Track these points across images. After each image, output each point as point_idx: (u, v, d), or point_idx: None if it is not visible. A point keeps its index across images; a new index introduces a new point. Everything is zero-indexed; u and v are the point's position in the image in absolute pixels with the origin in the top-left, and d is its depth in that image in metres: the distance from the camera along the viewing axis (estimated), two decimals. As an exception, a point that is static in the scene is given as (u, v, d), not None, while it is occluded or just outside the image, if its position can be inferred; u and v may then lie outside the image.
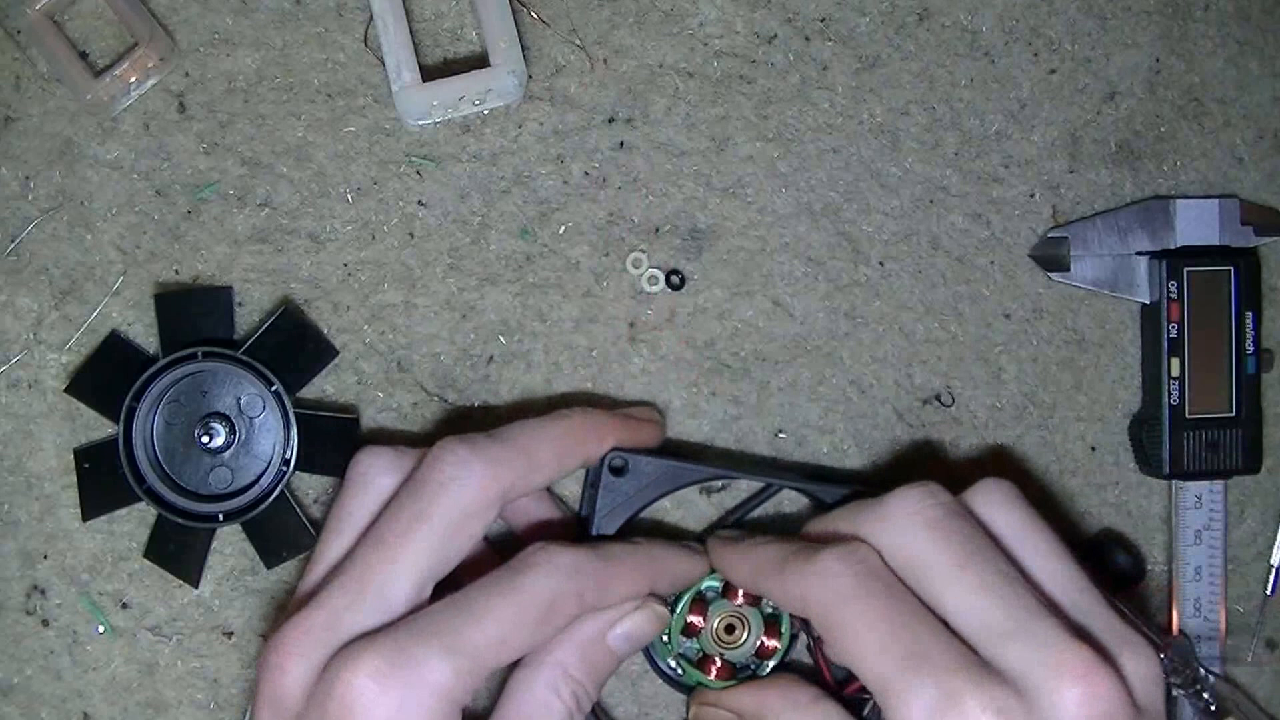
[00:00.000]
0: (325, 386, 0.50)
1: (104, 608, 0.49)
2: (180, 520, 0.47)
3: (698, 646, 0.47)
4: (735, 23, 0.51)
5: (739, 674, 0.47)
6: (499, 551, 0.47)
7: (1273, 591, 0.52)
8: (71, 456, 0.49)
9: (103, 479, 0.48)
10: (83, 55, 0.49)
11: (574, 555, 0.42)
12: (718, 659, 0.47)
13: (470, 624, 0.40)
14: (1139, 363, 0.52)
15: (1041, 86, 0.52)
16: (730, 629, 0.47)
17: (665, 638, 0.46)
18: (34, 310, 0.49)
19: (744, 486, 0.50)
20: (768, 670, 0.47)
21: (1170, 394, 0.50)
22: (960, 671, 0.37)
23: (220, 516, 0.47)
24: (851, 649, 0.40)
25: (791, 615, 0.47)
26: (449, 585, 0.42)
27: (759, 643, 0.47)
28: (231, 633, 0.49)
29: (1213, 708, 0.50)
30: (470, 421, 0.50)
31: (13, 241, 0.49)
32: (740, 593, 0.46)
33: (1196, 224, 0.51)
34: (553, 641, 0.42)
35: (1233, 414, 0.50)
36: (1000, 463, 0.52)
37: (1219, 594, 0.51)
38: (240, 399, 0.48)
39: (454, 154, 0.50)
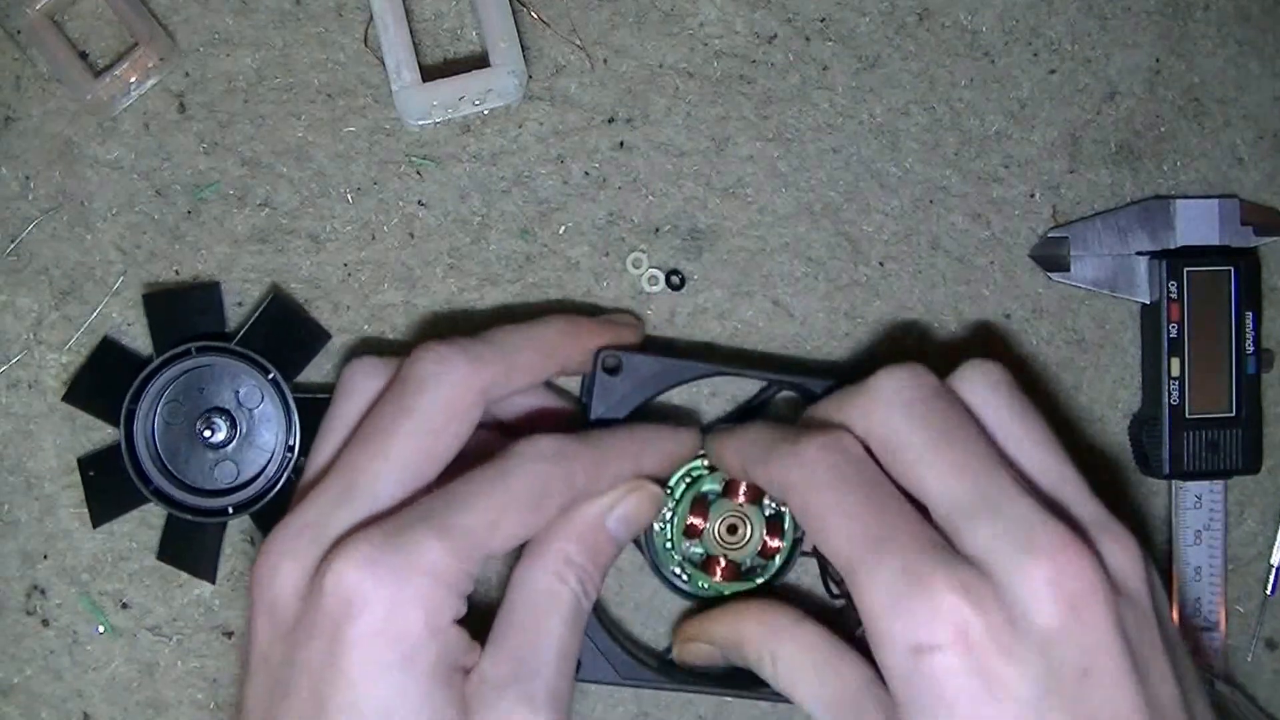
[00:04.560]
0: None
1: (104, 608, 0.49)
2: (190, 518, 0.47)
3: (701, 550, 0.47)
4: (735, 23, 0.51)
5: (744, 575, 0.47)
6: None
7: (1273, 591, 0.52)
8: (72, 457, 0.49)
9: (108, 484, 0.48)
10: (83, 55, 0.49)
11: (560, 440, 0.42)
12: (722, 560, 0.47)
13: (461, 510, 0.39)
14: (1139, 363, 0.52)
15: (1041, 86, 0.52)
16: (732, 529, 0.47)
17: (669, 543, 0.47)
18: (34, 310, 0.49)
19: (747, 385, 0.49)
20: (773, 570, 0.47)
21: (1170, 394, 0.50)
22: (926, 551, 0.37)
23: (230, 510, 0.47)
24: (822, 533, 0.39)
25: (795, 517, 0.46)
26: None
27: (762, 542, 0.47)
28: (231, 633, 0.49)
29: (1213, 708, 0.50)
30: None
31: (13, 241, 0.49)
32: (741, 492, 0.46)
33: (1196, 224, 0.51)
34: (552, 530, 0.42)
35: (1233, 414, 0.50)
36: (1000, 463, 0.52)
37: (1219, 594, 0.51)
38: (238, 391, 0.48)
39: (454, 154, 0.50)
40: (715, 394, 0.50)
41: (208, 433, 0.47)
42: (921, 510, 0.39)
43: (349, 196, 0.50)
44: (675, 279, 0.50)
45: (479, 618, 0.40)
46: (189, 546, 0.48)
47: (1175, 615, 0.51)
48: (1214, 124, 0.52)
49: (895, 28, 0.51)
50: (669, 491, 0.47)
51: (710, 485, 0.47)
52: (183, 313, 0.48)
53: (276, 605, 0.39)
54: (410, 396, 0.41)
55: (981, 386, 0.42)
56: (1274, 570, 0.52)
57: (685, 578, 0.47)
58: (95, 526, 0.48)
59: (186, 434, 0.48)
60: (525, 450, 0.41)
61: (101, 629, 0.49)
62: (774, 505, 0.47)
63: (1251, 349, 0.50)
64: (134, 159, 0.49)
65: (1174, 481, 0.51)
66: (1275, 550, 0.53)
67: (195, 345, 0.47)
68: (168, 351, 0.47)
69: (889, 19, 0.51)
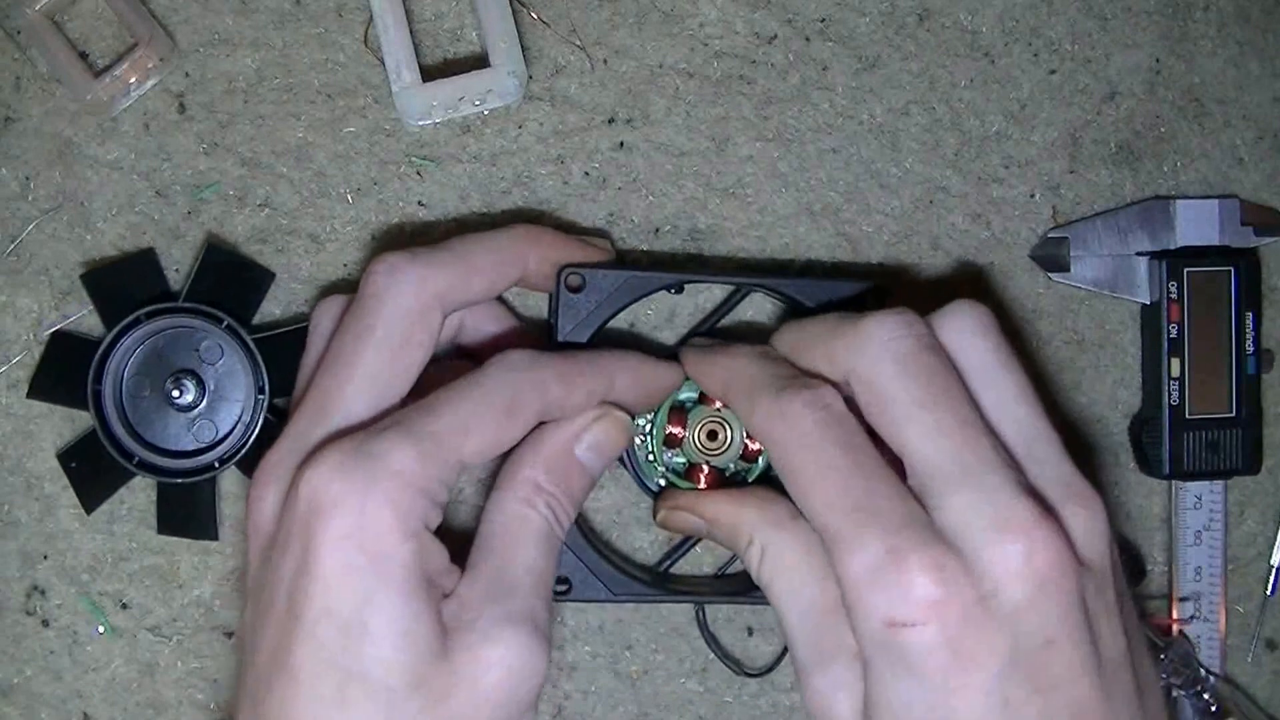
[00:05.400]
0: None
1: (104, 608, 0.49)
2: (179, 481, 0.47)
3: (683, 458, 0.47)
4: (735, 23, 0.51)
5: (728, 481, 0.47)
6: None
7: (1273, 591, 0.52)
8: (71, 457, 0.49)
9: (93, 470, 0.48)
10: (83, 55, 0.49)
11: (532, 352, 0.42)
12: (704, 466, 0.47)
13: (432, 415, 0.39)
14: (1139, 363, 0.52)
15: (1041, 86, 0.52)
16: (712, 435, 0.46)
17: (650, 455, 0.47)
18: (34, 310, 0.49)
19: (715, 291, 0.50)
20: (756, 473, 0.47)
21: (1170, 394, 0.50)
22: (905, 529, 0.37)
23: (216, 464, 0.47)
24: (804, 494, 0.39)
25: None
26: None
27: (743, 446, 0.46)
28: (231, 633, 0.49)
29: (1213, 708, 0.50)
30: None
31: (13, 241, 0.49)
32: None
33: (1196, 224, 0.51)
34: (520, 459, 0.42)
35: (1233, 414, 0.50)
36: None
37: (1219, 594, 0.51)
38: (198, 348, 0.48)
39: (454, 154, 0.50)
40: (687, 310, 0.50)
41: (177, 394, 0.47)
42: (896, 463, 0.39)
43: (349, 196, 0.50)
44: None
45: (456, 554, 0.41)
46: (185, 511, 0.48)
47: (1175, 616, 0.51)
48: (1214, 124, 0.52)
49: (895, 28, 0.51)
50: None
51: (687, 393, 0.47)
52: (124, 284, 0.48)
53: (262, 529, 0.40)
54: (369, 314, 0.41)
55: (969, 330, 0.41)
56: (1274, 570, 0.52)
57: (670, 487, 0.47)
58: (89, 513, 0.48)
59: (158, 402, 0.48)
60: (498, 361, 0.41)
61: (101, 629, 0.49)
62: None
63: (1251, 349, 0.50)
64: (134, 159, 0.49)
65: (1174, 481, 0.51)
66: (1275, 550, 0.53)
67: (144, 312, 0.47)
68: (117, 325, 0.47)
69: (889, 19, 0.51)
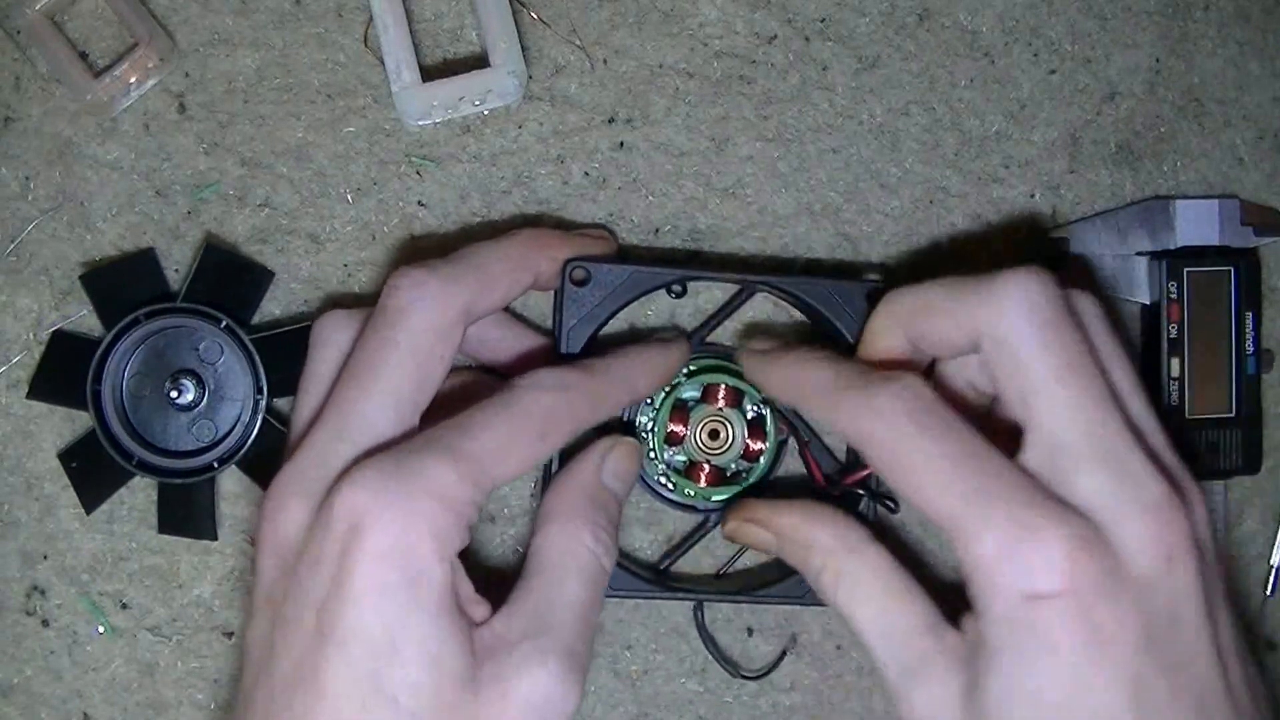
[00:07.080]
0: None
1: (104, 608, 0.49)
2: (179, 481, 0.47)
3: (684, 457, 0.47)
4: (735, 23, 0.51)
5: (729, 480, 0.47)
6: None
7: (1273, 591, 0.52)
8: (71, 457, 0.49)
9: (93, 470, 0.48)
10: (83, 55, 0.49)
11: (559, 372, 0.42)
12: (705, 465, 0.47)
13: (469, 436, 0.39)
14: (1139, 363, 0.52)
15: (1041, 86, 0.52)
16: (714, 434, 0.47)
17: (651, 453, 0.47)
18: (34, 310, 0.49)
19: (716, 292, 0.50)
20: (758, 473, 0.47)
21: (1170, 394, 0.50)
22: (1033, 503, 0.37)
23: (215, 464, 0.47)
24: (913, 488, 0.39)
25: (777, 419, 0.47)
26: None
27: (744, 446, 0.47)
28: (231, 633, 0.50)
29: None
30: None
31: (13, 241, 0.49)
32: (720, 397, 0.47)
33: (1196, 224, 0.51)
34: (555, 498, 0.42)
35: (1233, 414, 0.50)
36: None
37: (1219, 594, 0.51)
38: (198, 349, 0.48)
39: (454, 154, 0.50)
40: (687, 310, 0.50)
41: (176, 394, 0.47)
42: (987, 424, 0.39)
43: (349, 196, 0.50)
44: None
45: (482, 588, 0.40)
46: (185, 511, 0.48)
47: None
48: (1214, 124, 0.52)
49: (895, 28, 0.51)
50: (649, 403, 0.47)
51: (690, 392, 0.47)
52: (123, 284, 0.48)
53: (283, 542, 0.39)
54: (392, 327, 0.41)
55: (1093, 312, 0.41)
56: (1274, 570, 0.52)
57: (671, 486, 0.47)
58: (89, 513, 0.48)
59: (158, 402, 0.48)
60: (528, 382, 0.41)
61: (101, 629, 0.49)
62: (755, 408, 0.47)
63: (1251, 349, 0.50)
64: (134, 159, 0.49)
65: (1174, 481, 0.51)
66: (1275, 550, 0.53)
67: (143, 312, 0.47)
68: (117, 325, 0.47)
69: (889, 19, 0.51)
